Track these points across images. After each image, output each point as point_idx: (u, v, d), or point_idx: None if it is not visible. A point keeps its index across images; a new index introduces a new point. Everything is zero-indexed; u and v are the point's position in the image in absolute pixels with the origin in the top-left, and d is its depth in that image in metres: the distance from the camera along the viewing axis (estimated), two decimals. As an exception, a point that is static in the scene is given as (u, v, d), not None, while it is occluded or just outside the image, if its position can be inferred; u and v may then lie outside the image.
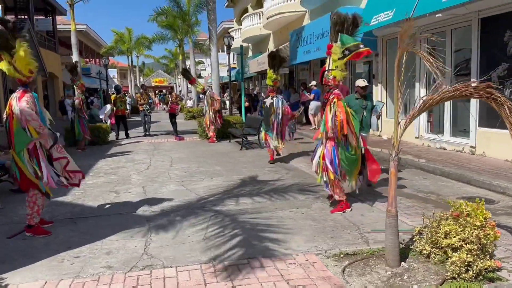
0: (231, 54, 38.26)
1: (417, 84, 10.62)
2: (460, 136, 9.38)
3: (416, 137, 10.65)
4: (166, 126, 18.88)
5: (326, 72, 5.38)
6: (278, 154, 9.50)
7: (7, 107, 4.64)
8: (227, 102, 19.20)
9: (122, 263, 3.89)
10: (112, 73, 48.78)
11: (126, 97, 16.84)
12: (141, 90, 16.22)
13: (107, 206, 6.03)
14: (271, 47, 25.12)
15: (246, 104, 16.21)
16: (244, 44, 28.51)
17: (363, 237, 4.38)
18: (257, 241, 4.34)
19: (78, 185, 5.26)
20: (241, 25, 33.30)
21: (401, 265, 3.70)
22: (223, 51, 45.19)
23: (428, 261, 3.79)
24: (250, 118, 13.77)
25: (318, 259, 3.83)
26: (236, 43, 31.27)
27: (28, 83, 4.69)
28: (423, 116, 10.51)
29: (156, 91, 53.23)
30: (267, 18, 20.24)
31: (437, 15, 8.52)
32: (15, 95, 4.63)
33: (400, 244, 4.11)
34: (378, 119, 7.47)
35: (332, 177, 5.24)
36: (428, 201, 5.85)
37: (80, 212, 5.73)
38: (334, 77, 5.27)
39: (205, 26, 24.47)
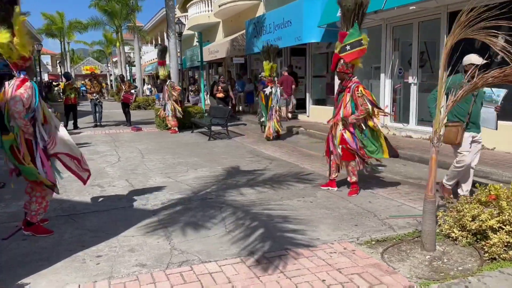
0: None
1: (382, 75, 10.98)
2: (426, 125, 9.85)
3: (381, 126, 11.00)
4: (113, 116, 18.05)
5: (341, 60, 5.45)
6: (278, 137, 11.02)
7: (2, 93, 4.11)
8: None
9: (154, 260, 3.64)
10: (46, 59, 45.64)
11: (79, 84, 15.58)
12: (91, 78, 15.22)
13: (100, 200, 5.62)
14: (220, 35, 24.80)
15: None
16: (189, 32, 27.87)
17: (385, 224, 4.45)
18: (280, 232, 4.25)
19: (84, 182, 4.73)
20: (184, 12, 32.57)
21: (436, 249, 3.81)
22: (162, 39, 44.18)
23: (456, 244, 3.93)
24: (214, 108, 13.51)
25: (355, 247, 3.84)
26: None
27: (25, 68, 4.16)
28: (389, 106, 10.93)
29: (86, 80, 50.40)
30: (219, 6, 19.89)
31: (410, 8, 8.84)
32: (12, 82, 4.09)
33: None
34: (497, 112, 4.93)
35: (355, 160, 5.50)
36: (422, 186, 6.06)
37: (72, 208, 5.29)
38: (353, 65, 5.42)
39: (145, 12, 23.47)
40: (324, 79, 14.63)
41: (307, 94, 14.69)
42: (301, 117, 14.84)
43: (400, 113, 10.87)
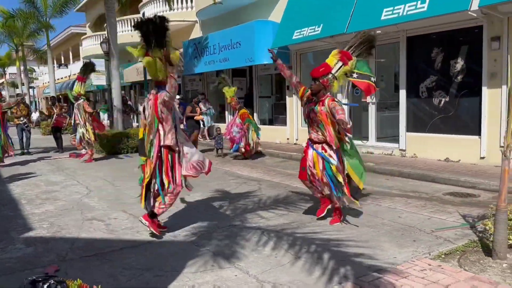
0: (83, 61, 35.34)
1: (339, 95, 11.43)
2: (386, 141, 10.46)
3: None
4: (36, 142, 16.34)
5: (330, 75, 5.07)
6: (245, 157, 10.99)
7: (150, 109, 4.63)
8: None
9: (253, 296, 3.30)
10: None
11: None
12: (18, 99, 13.58)
13: (115, 235, 4.98)
14: (144, 56, 23.96)
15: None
16: (101, 52, 26.55)
17: (438, 237, 4.56)
18: (349, 255, 4.11)
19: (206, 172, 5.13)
20: (97, 31, 31.00)
21: (507, 257, 4.01)
22: (66, 58, 41.45)
23: (512, 250, 4.17)
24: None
25: (437, 262, 3.87)
26: (92, 50, 28.97)
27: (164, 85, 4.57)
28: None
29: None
30: (149, 26, 19.26)
31: (377, 32, 9.37)
32: (150, 97, 4.65)
33: (475, 238, 4.47)
34: None
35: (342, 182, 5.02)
36: (423, 199, 6.37)
37: (93, 247, 4.61)
38: (332, 85, 5.10)
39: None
40: (271, 99, 14.87)
41: (255, 115, 14.75)
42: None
43: (359, 131, 11.39)
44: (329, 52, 11.62)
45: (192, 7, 17.47)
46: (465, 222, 5.05)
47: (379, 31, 9.43)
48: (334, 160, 4.97)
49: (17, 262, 4.23)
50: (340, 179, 4.99)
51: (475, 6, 7.46)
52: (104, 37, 20.17)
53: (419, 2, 8.24)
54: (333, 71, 5.10)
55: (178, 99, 17.79)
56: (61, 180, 8.83)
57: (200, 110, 13.16)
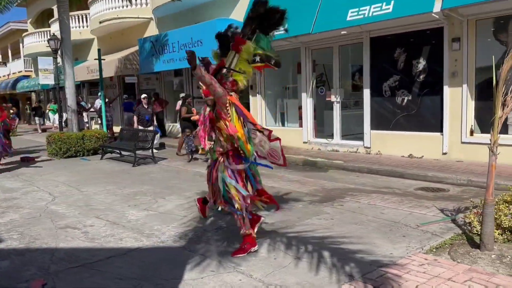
0: (24, 60, 33.45)
1: (303, 94, 11.56)
2: (351, 139, 10.69)
3: (304, 142, 11.58)
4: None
5: (224, 69, 4.38)
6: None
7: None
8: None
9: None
10: None
11: None
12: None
13: (97, 244, 4.71)
14: (94, 53, 23.04)
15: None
16: (46, 49, 25.38)
17: (426, 231, 4.70)
18: (347, 252, 4.14)
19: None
20: (39, 27, 29.48)
21: (494, 248, 4.20)
22: (4, 55, 39.10)
23: (496, 241, 4.38)
24: (127, 130, 12.43)
25: (432, 256, 3.98)
26: (35, 47, 27.48)
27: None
28: (311, 122, 11.55)
29: None
30: (100, 23, 18.54)
31: (342, 32, 9.57)
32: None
33: (458, 231, 4.66)
34: None
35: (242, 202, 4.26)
36: (398, 194, 6.56)
37: (76, 257, 4.32)
38: (235, 81, 4.37)
39: None
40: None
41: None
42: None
43: (323, 130, 11.57)
44: (293, 52, 11.78)
45: (147, 4, 16.98)
46: (445, 216, 5.25)
47: (344, 31, 9.66)
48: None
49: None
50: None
51: (437, 8, 7.79)
52: (52, 34, 19.20)
53: (384, 3, 8.47)
54: (227, 65, 4.43)
55: (125, 98, 17.28)
56: (18, 186, 8.26)
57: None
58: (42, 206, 6.57)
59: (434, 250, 4.18)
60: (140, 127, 12.03)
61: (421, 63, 8.99)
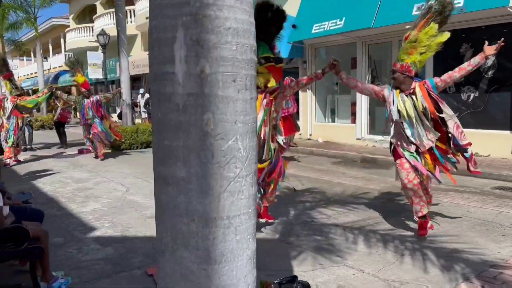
0: (65, 55, 34.30)
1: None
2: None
3: (357, 139, 11.48)
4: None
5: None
6: None
7: None
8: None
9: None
10: None
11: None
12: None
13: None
14: (136, 49, 23.52)
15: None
16: (94, 44, 25.99)
17: (523, 231, 4.60)
18: (450, 252, 4.07)
19: None
20: (81, 23, 30.20)
21: None
22: (45, 50, 40.28)
23: None
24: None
25: (544, 256, 3.89)
26: (77, 43, 28.19)
27: None
28: (365, 118, 11.43)
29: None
30: (147, 18, 18.83)
31: (406, 26, 9.36)
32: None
33: None
34: None
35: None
36: (476, 193, 6.41)
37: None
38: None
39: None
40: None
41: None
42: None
43: (375, 126, 11.43)
44: (347, 46, 11.67)
45: None
46: (538, 216, 5.11)
47: (408, 25, 9.45)
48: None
49: (106, 264, 4.02)
50: None
51: (513, 3, 7.56)
52: (101, 30, 19.60)
53: (455, -2, 8.26)
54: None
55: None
56: (87, 177, 8.50)
57: None
58: (119, 196, 6.75)
59: (540, 250, 4.07)
60: None
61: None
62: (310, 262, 3.89)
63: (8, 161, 10.05)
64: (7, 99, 10.25)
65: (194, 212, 1.53)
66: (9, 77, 10.44)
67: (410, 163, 4.41)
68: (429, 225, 4.55)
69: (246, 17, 1.58)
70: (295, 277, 3.25)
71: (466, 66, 4.35)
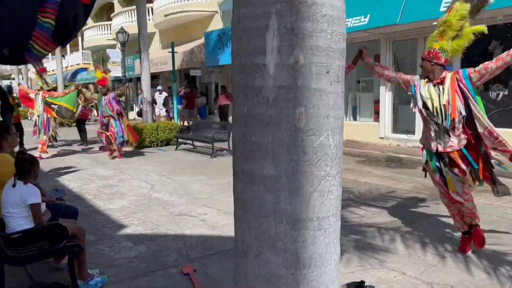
0: (82, 53, 34.56)
1: (382, 88, 11.28)
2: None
3: (381, 138, 11.31)
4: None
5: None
6: None
7: None
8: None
9: None
10: None
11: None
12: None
13: (228, 234, 4.75)
14: (154, 46, 23.56)
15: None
16: (112, 42, 26.18)
17: None
18: (494, 254, 3.94)
19: None
20: (98, 21, 30.43)
21: None
22: (65, 48, 40.67)
23: None
24: (200, 122, 12.61)
25: None
26: (95, 41, 28.43)
27: None
28: (389, 117, 11.26)
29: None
30: (165, 16, 18.87)
31: (433, 23, 9.19)
32: None
33: None
34: None
35: None
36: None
37: (203, 245, 4.38)
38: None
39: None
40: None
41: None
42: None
43: (398, 125, 11.25)
44: (371, 43, 11.51)
45: (212, -3, 17.14)
46: None
47: (435, 22, 9.27)
48: None
49: (140, 262, 3.98)
50: None
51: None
52: (120, 28, 19.69)
53: (484, -7, 8.06)
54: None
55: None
56: (111, 174, 8.51)
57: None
58: (145, 193, 6.73)
59: None
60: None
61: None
62: (349, 263, 3.81)
63: (40, 154, 10.34)
64: (39, 94, 10.79)
65: (283, 213, 1.46)
66: (43, 71, 10.95)
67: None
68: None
69: (340, 4, 1.50)
70: (363, 282, 3.16)
71: (505, 56, 3.69)
